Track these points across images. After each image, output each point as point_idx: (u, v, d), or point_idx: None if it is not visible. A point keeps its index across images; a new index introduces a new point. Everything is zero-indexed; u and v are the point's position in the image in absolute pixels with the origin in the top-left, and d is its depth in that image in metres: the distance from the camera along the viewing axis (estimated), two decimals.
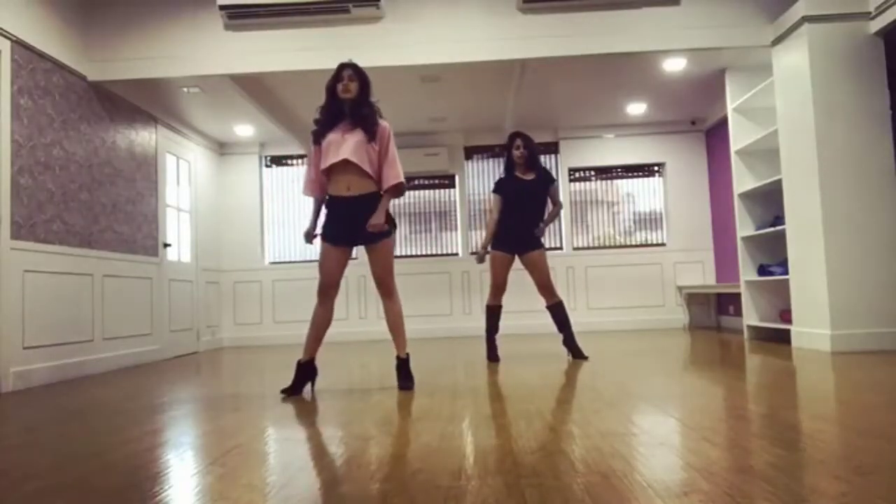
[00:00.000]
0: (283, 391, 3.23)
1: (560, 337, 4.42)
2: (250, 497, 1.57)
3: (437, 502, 1.45)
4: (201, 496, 1.60)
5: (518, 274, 7.24)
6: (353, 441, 2.15)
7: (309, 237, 3.36)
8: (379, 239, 3.26)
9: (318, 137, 3.28)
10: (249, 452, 2.05)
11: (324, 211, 3.35)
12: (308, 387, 3.32)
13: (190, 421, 2.67)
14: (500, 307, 4.46)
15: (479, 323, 5.66)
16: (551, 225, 7.43)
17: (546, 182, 4.40)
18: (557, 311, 4.36)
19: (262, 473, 1.80)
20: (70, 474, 1.83)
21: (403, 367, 3.35)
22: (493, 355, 4.42)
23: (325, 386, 3.56)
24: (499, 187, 4.45)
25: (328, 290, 3.27)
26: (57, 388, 3.94)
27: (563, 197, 7.43)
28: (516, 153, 4.35)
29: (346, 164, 3.18)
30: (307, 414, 2.76)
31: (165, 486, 1.69)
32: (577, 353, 4.34)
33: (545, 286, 4.35)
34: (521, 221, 4.34)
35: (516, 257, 4.40)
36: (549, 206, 4.49)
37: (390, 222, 3.31)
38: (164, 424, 2.59)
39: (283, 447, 2.16)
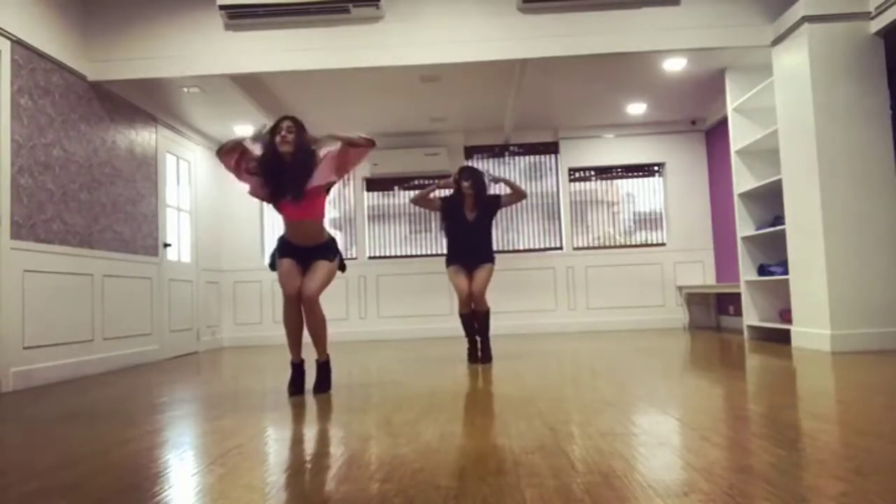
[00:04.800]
0: (291, 392, 3.26)
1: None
2: (250, 497, 1.57)
3: (437, 502, 1.45)
4: (201, 496, 1.60)
5: (515, 275, 7.26)
6: (353, 441, 2.15)
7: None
8: (321, 256, 3.27)
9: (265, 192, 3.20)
10: (249, 452, 2.05)
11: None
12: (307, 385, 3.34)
13: (190, 421, 2.68)
14: (471, 313, 4.52)
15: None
16: (551, 225, 7.45)
17: (487, 215, 4.52)
18: (484, 318, 4.49)
19: (262, 473, 1.80)
20: (70, 474, 1.83)
21: (319, 369, 3.36)
22: (475, 357, 4.49)
23: None
24: (446, 217, 4.54)
25: (293, 300, 3.24)
26: (57, 388, 3.94)
27: (562, 197, 7.44)
28: (465, 184, 4.44)
29: (301, 221, 3.23)
30: (307, 414, 2.76)
31: (165, 486, 1.69)
32: (486, 357, 4.43)
33: (479, 294, 4.44)
34: (467, 250, 4.48)
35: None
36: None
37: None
38: (164, 424, 2.59)
39: (283, 447, 2.16)
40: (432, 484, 1.59)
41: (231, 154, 3.20)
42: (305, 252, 3.30)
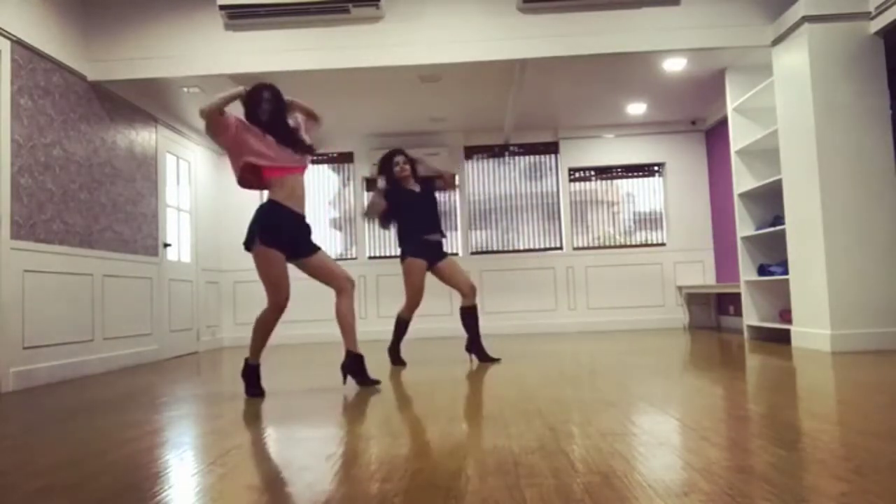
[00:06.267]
0: (253, 394, 3.24)
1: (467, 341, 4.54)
2: (250, 497, 1.57)
3: (437, 502, 1.45)
4: (201, 496, 1.60)
5: (515, 275, 7.26)
6: (353, 441, 2.15)
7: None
8: (315, 249, 3.29)
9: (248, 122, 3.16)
10: (249, 452, 2.05)
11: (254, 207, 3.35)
12: (263, 387, 3.34)
13: (190, 421, 2.68)
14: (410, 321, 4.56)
15: (480, 322, 5.65)
16: (551, 225, 7.45)
17: (430, 187, 4.52)
18: (472, 314, 4.45)
19: (262, 473, 1.80)
20: (70, 474, 1.83)
21: (361, 363, 3.37)
22: (399, 360, 4.53)
23: (325, 386, 3.57)
24: (393, 201, 4.44)
25: (282, 310, 3.25)
26: (57, 388, 3.94)
27: (562, 197, 7.44)
28: (396, 169, 4.41)
29: (298, 176, 3.21)
30: (307, 414, 2.76)
31: (165, 486, 1.69)
32: (483, 357, 4.40)
33: (470, 286, 4.43)
34: (424, 230, 4.42)
35: (433, 279, 4.55)
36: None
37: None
38: (164, 424, 2.59)
39: (283, 447, 2.16)
40: (432, 484, 1.59)
41: (222, 118, 3.06)
42: (296, 232, 3.21)
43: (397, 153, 4.49)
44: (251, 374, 3.29)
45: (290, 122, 3.26)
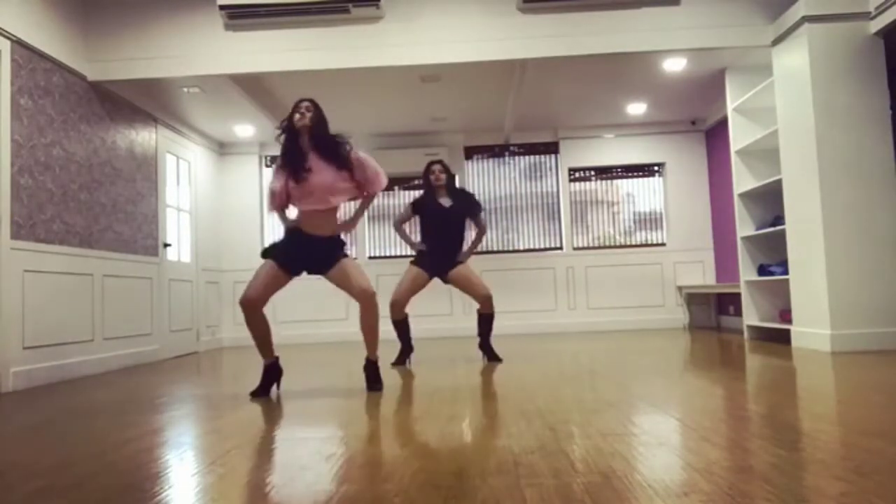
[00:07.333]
0: (252, 393, 3.22)
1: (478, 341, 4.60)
2: (250, 497, 1.57)
3: (437, 502, 1.45)
4: (201, 496, 1.60)
5: (515, 275, 7.26)
6: (353, 441, 2.15)
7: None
8: (336, 261, 3.24)
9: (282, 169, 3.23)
10: (249, 452, 2.05)
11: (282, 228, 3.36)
12: (275, 388, 3.33)
13: (190, 421, 2.68)
14: (404, 320, 4.58)
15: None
16: (551, 225, 7.44)
17: (463, 209, 4.50)
18: (484, 320, 4.50)
19: (262, 473, 1.80)
20: (70, 474, 1.83)
21: (373, 369, 3.38)
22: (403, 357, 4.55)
23: (325, 386, 3.57)
24: (416, 207, 4.57)
25: (249, 304, 3.13)
26: (57, 388, 3.94)
27: (562, 197, 7.44)
28: (432, 178, 4.49)
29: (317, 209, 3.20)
30: (307, 414, 2.76)
31: (165, 486, 1.69)
32: (492, 356, 4.47)
33: (485, 295, 4.42)
34: (440, 244, 4.46)
35: (434, 280, 4.55)
36: (472, 231, 4.61)
37: (341, 245, 3.33)
38: (164, 424, 2.59)
39: (283, 447, 2.16)
40: (432, 484, 1.59)
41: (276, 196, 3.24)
42: (316, 248, 3.21)
43: (436, 162, 4.59)
44: (262, 374, 3.29)
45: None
